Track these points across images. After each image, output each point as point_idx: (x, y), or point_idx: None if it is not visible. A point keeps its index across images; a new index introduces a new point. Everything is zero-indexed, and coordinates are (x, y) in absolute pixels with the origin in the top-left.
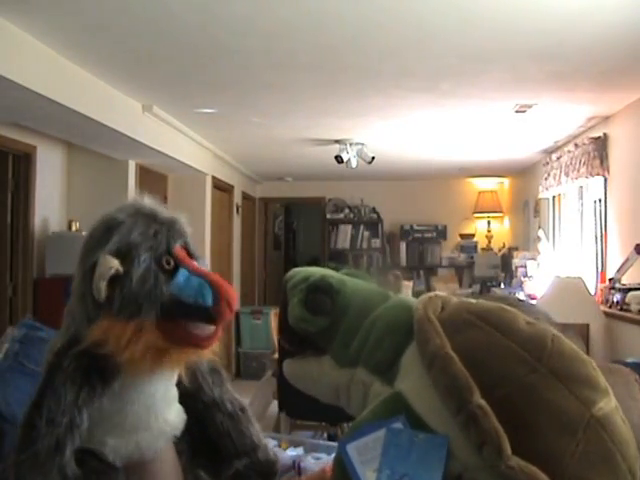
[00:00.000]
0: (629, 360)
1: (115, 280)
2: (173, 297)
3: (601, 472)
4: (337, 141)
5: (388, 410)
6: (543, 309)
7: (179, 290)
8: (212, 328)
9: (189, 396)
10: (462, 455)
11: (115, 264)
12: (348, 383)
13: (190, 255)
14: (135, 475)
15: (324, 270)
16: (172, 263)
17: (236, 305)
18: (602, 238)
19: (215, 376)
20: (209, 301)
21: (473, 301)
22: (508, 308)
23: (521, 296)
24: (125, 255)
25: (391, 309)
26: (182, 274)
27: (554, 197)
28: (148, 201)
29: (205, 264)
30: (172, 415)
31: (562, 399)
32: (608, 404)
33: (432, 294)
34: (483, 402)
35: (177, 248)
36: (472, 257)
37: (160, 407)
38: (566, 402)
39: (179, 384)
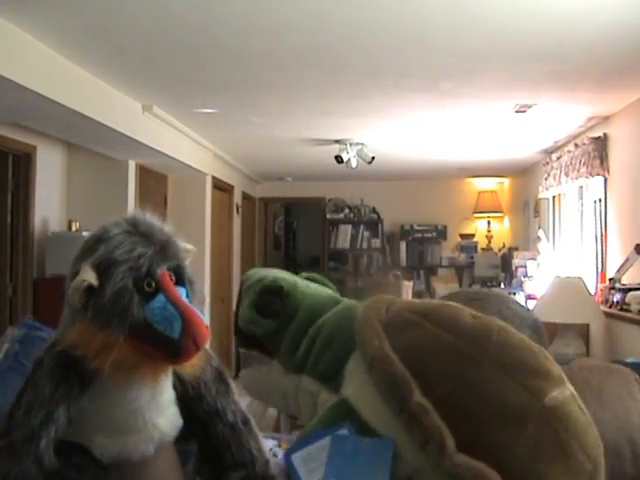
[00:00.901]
0: (629, 360)
1: (91, 291)
2: (145, 320)
3: (554, 463)
4: (337, 141)
5: (334, 417)
6: (516, 301)
7: (152, 315)
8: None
9: (192, 402)
10: (410, 456)
11: (90, 277)
12: (296, 391)
13: (180, 281)
14: (123, 476)
15: (279, 272)
16: (153, 286)
17: (206, 344)
18: (602, 238)
19: (220, 385)
20: (176, 334)
21: (417, 301)
22: (452, 304)
23: (521, 296)
24: (104, 270)
25: (337, 314)
26: (159, 300)
27: (554, 197)
28: (147, 218)
29: (198, 292)
30: (162, 420)
31: (508, 391)
32: (562, 393)
33: (377, 297)
34: (423, 400)
35: (162, 273)
36: (472, 257)
37: (147, 412)
38: (513, 394)
39: (184, 389)
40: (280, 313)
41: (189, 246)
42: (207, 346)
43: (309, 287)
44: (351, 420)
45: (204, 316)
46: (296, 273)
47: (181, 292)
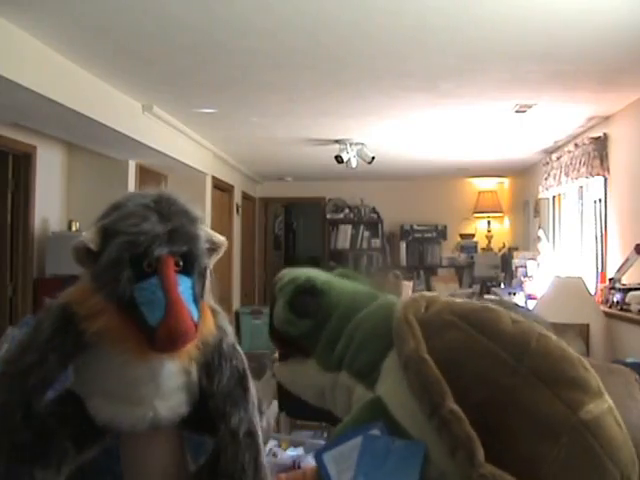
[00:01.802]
0: (629, 360)
1: (92, 253)
2: (132, 298)
3: (585, 479)
4: (337, 141)
5: (367, 415)
6: (539, 315)
7: (139, 295)
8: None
9: (204, 396)
10: (439, 461)
11: (90, 241)
12: (333, 387)
13: (188, 269)
14: (116, 443)
15: (312, 271)
16: (153, 267)
17: (185, 341)
18: (602, 238)
19: (237, 389)
20: (153, 321)
21: (459, 301)
22: (493, 307)
23: (521, 296)
24: (107, 237)
25: (375, 312)
26: (151, 283)
27: (554, 197)
28: (173, 198)
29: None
30: (162, 403)
31: (543, 402)
32: (599, 406)
33: (418, 295)
34: (455, 407)
35: (164, 256)
36: (472, 257)
37: (144, 389)
38: (548, 405)
39: (199, 382)
40: (316, 312)
41: (218, 237)
42: (226, 346)
43: (344, 284)
44: (383, 419)
45: (197, 312)
46: (332, 268)
47: (182, 281)
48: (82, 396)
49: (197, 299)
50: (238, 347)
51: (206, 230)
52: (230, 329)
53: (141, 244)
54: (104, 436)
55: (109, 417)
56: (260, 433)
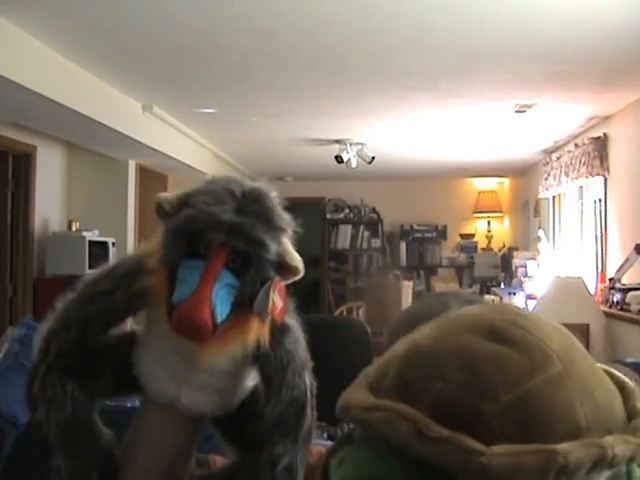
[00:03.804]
0: (629, 360)
1: (165, 213)
2: (175, 269)
3: None
4: (337, 141)
5: None
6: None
7: (181, 270)
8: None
9: (254, 412)
10: None
11: (165, 201)
12: None
13: (242, 269)
14: (138, 401)
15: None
16: (207, 252)
17: (192, 334)
18: (602, 238)
19: (291, 419)
20: (177, 299)
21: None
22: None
23: (521, 296)
24: (183, 204)
25: None
26: (196, 263)
27: (554, 197)
28: (265, 197)
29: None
30: (187, 392)
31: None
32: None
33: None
34: None
35: (217, 244)
36: (472, 257)
37: (177, 366)
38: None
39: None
40: None
41: (294, 260)
42: (291, 373)
43: None
44: None
45: (227, 313)
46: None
47: (226, 277)
48: (137, 340)
49: (237, 304)
50: (306, 376)
51: (285, 246)
52: (301, 355)
53: (201, 223)
54: (138, 391)
55: (142, 372)
56: (301, 473)
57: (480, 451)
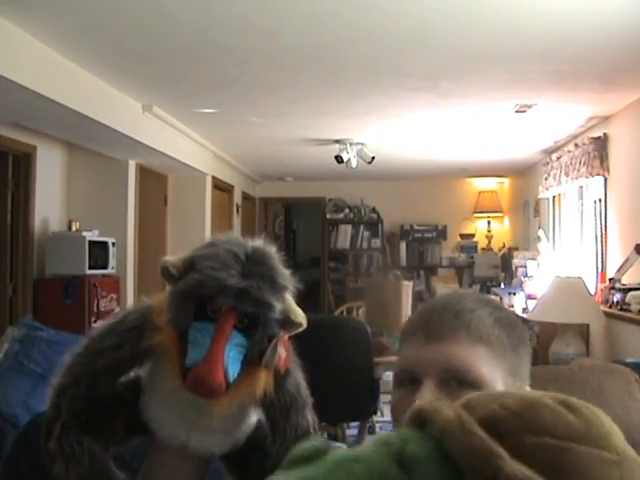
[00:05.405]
0: (629, 360)
1: (172, 276)
2: (186, 334)
3: None
4: (337, 141)
5: None
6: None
7: (191, 333)
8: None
9: (261, 449)
10: None
11: (171, 265)
12: None
13: (250, 329)
14: (148, 443)
15: None
16: (216, 315)
17: (207, 395)
18: (602, 238)
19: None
20: (190, 362)
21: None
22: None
23: (521, 296)
24: (187, 268)
25: None
26: (206, 326)
27: (554, 197)
28: (268, 258)
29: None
30: (197, 435)
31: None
32: None
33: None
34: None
35: (226, 309)
36: (472, 257)
37: (186, 413)
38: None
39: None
40: None
41: (297, 317)
42: (294, 414)
43: None
44: None
45: (239, 373)
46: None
47: (236, 338)
48: (143, 387)
49: (246, 361)
50: (308, 414)
51: (288, 303)
52: (302, 394)
53: (209, 289)
54: (147, 434)
55: (152, 418)
56: None
57: (503, 457)
